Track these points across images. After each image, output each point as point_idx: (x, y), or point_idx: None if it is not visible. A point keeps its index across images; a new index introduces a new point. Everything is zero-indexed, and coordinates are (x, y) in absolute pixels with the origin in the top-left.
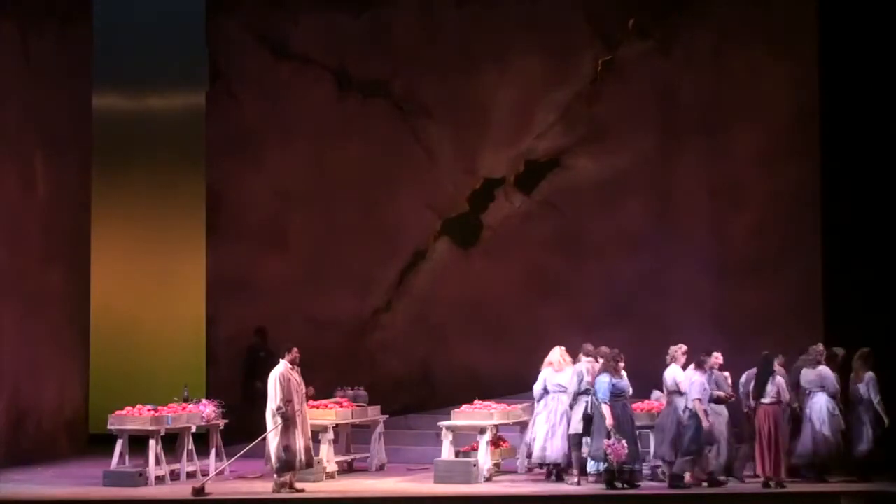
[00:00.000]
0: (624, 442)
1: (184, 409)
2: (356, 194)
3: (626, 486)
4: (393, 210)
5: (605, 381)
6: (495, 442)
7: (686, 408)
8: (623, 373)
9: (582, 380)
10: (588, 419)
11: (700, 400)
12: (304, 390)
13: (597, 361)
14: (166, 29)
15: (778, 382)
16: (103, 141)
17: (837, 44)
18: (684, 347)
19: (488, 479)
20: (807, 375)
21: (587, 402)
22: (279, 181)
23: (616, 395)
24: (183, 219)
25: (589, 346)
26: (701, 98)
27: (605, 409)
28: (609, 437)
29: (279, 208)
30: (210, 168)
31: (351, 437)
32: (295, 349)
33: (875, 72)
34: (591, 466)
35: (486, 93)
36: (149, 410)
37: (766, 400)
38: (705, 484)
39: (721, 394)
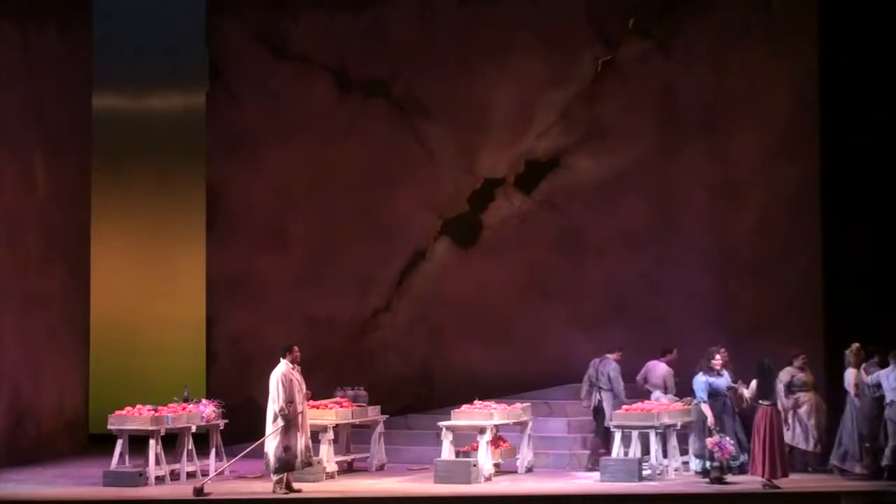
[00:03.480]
0: (727, 438)
1: (184, 409)
2: (356, 194)
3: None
4: (393, 210)
5: (702, 380)
6: (495, 442)
7: (893, 401)
8: (724, 372)
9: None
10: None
11: None
12: (305, 390)
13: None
14: (166, 29)
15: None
16: (103, 141)
17: (837, 43)
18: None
19: (488, 479)
20: None
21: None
22: (279, 181)
23: (713, 394)
24: (183, 219)
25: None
26: (701, 98)
27: (705, 409)
28: (711, 436)
29: (279, 208)
30: (210, 168)
31: (351, 437)
32: (296, 348)
33: (875, 71)
34: (695, 464)
35: (486, 93)
36: (149, 410)
37: (765, 402)
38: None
39: None
